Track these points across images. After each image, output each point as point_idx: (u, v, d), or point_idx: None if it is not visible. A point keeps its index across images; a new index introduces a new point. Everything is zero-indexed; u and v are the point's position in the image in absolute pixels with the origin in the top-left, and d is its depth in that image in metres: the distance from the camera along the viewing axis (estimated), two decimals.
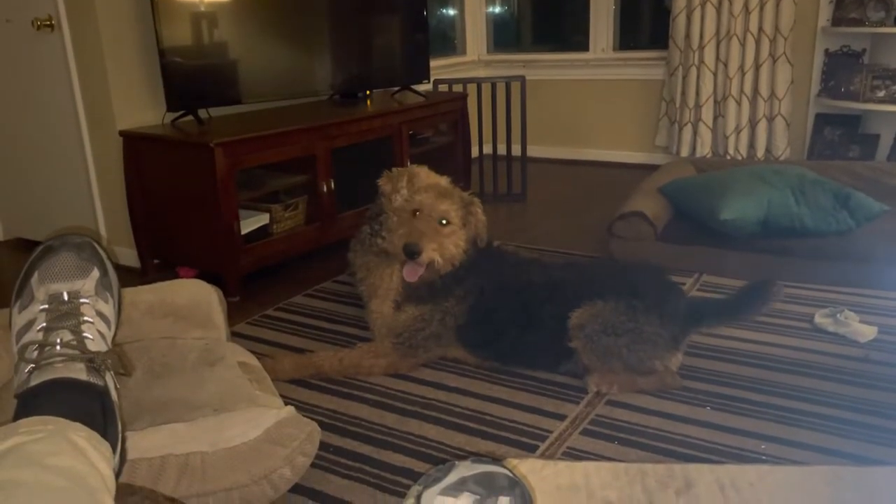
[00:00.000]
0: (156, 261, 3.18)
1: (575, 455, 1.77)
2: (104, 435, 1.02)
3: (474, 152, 4.62)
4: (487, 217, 2.32)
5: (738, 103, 4.52)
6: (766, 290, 2.08)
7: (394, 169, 2.48)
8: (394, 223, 2.27)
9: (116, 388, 1.15)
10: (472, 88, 4.37)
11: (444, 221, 2.20)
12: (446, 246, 2.19)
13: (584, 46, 5.25)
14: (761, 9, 4.31)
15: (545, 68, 5.33)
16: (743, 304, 2.11)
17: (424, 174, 2.44)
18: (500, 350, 2.19)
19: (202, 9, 3.05)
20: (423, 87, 4.18)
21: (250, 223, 3.04)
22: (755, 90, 4.48)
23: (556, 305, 2.10)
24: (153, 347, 1.69)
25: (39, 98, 3.25)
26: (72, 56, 3.04)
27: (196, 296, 1.84)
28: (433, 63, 4.33)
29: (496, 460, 0.98)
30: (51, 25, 3.05)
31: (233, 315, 2.35)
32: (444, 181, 2.49)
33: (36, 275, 1.15)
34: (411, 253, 2.14)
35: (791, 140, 4.48)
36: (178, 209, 2.99)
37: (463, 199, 2.28)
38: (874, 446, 1.75)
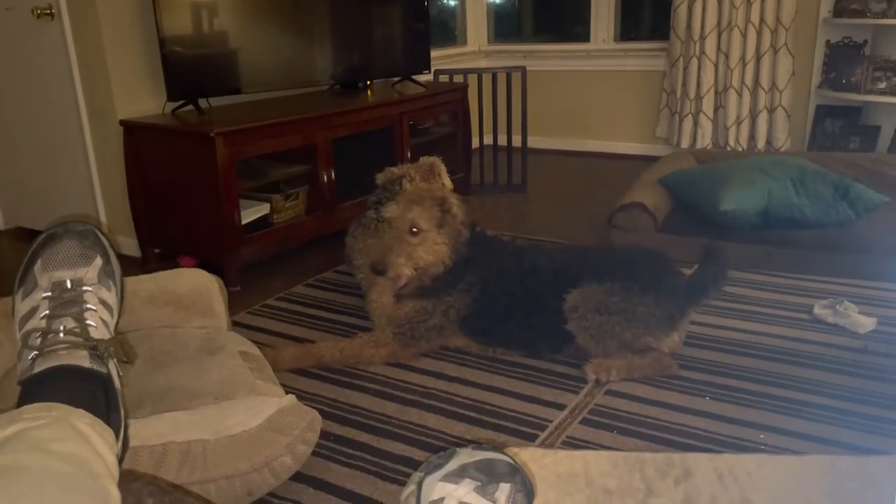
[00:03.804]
0: (156, 250, 3.18)
1: (574, 444, 1.78)
2: (107, 422, 1.03)
3: (475, 143, 4.61)
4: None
5: (739, 94, 4.51)
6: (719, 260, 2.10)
7: (414, 161, 2.52)
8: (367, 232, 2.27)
9: (119, 375, 1.15)
10: (472, 79, 4.35)
11: (414, 230, 2.18)
12: (418, 255, 2.17)
13: (584, 37, 5.23)
14: None
15: (546, 59, 5.32)
16: (706, 277, 2.10)
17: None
18: (505, 335, 2.20)
19: None
20: (424, 78, 4.17)
21: (251, 213, 3.04)
22: (756, 81, 4.47)
23: (558, 288, 2.12)
24: (155, 336, 1.70)
25: (39, 87, 3.24)
26: (72, 45, 3.03)
27: (197, 285, 1.85)
28: (434, 53, 4.32)
29: (497, 448, 0.99)
30: (51, 14, 3.04)
31: (233, 304, 2.36)
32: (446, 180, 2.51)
33: (39, 262, 1.15)
34: (378, 272, 2.16)
35: (792, 131, 4.48)
36: (179, 199, 2.99)
37: (435, 199, 2.22)
38: (872, 436, 1.76)
